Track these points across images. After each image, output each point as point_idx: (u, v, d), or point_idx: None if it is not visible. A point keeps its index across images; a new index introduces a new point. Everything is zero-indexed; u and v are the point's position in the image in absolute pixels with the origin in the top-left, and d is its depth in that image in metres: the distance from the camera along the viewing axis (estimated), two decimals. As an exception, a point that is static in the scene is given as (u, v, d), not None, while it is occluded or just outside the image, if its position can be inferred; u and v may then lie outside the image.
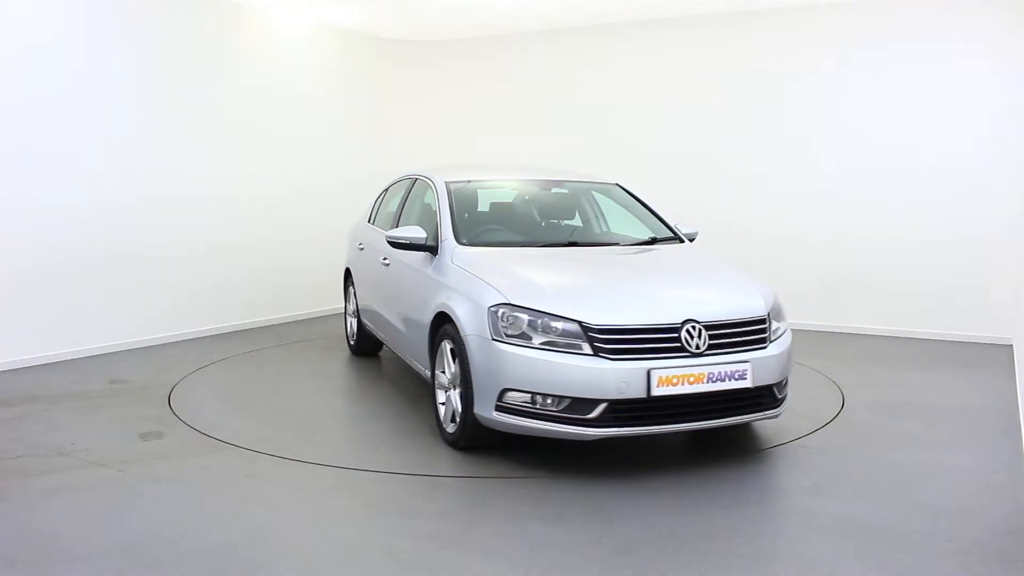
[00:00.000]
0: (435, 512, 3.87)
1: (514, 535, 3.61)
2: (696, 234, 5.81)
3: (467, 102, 10.14)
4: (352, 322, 7.26)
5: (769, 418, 4.58)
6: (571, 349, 4.14)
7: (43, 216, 6.66)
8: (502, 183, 6.18)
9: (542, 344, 4.18)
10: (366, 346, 7.09)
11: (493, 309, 4.34)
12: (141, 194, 7.38)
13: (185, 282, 7.81)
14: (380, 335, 6.46)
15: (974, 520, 3.78)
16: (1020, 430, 5.07)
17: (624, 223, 5.90)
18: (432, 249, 5.26)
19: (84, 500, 3.99)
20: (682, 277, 4.92)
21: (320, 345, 7.73)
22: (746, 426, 5.23)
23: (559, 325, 4.18)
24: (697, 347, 4.19)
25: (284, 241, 8.81)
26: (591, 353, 4.12)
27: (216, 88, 8.04)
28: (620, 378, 4.05)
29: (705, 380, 4.15)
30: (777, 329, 4.58)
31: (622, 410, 4.11)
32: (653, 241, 5.57)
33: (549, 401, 4.16)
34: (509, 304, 4.32)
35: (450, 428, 4.72)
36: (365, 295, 6.81)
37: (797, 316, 8.48)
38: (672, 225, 5.77)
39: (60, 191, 6.76)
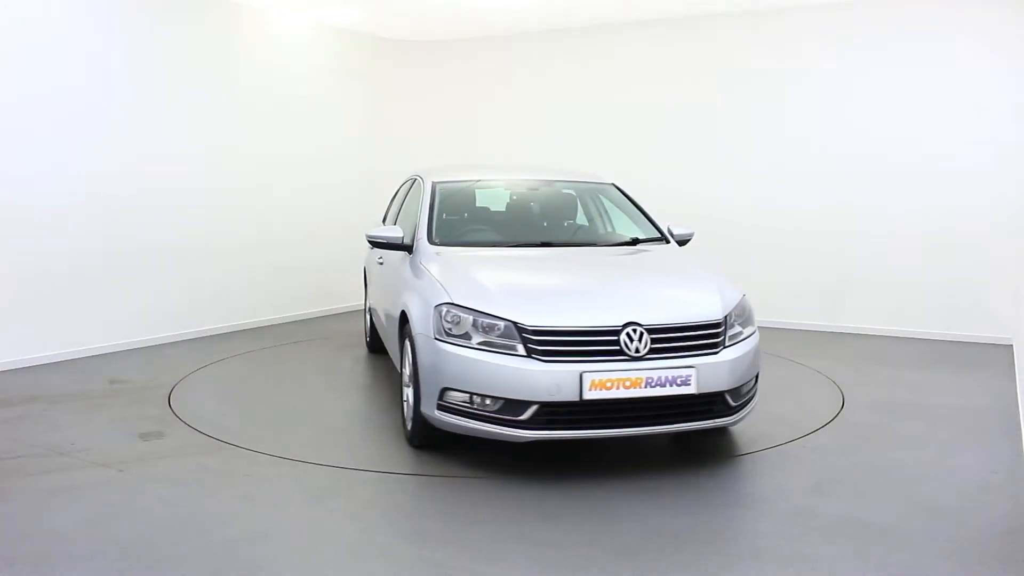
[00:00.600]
0: (435, 512, 3.87)
1: (514, 535, 3.61)
2: (690, 235, 5.69)
3: (467, 102, 10.14)
4: (366, 319, 7.42)
5: (723, 426, 4.40)
6: (506, 350, 4.11)
7: (43, 216, 6.66)
8: (492, 183, 6.16)
9: (480, 344, 4.17)
10: (378, 343, 7.12)
11: (438, 308, 4.36)
12: (141, 195, 7.38)
13: (185, 282, 7.81)
14: (380, 333, 6.52)
15: (974, 520, 3.78)
16: (1020, 430, 5.07)
17: (615, 223, 5.86)
18: (409, 248, 5.30)
19: (84, 500, 3.99)
20: (641, 279, 4.85)
21: (320, 345, 7.73)
22: (745, 427, 5.23)
23: (496, 325, 4.17)
24: (637, 351, 4.08)
25: (284, 241, 8.81)
26: (524, 354, 4.07)
27: (216, 88, 8.04)
28: (551, 380, 4.00)
29: (643, 385, 4.03)
30: (739, 334, 4.43)
31: (554, 413, 4.06)
32: (636, 242, 5.49)
33: (486, 402, 4.14)
34: (452, 303, 4.33)
35: (409, 425, 4.76)
36: (370, 294, 6.99)
37: (797, 316, 8.52)
38: (661, 226, 5.69)
39: (60, 191, 6.76)
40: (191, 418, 5.32)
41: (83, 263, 6.95)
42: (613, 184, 6.10)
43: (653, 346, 4.12)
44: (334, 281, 9.14)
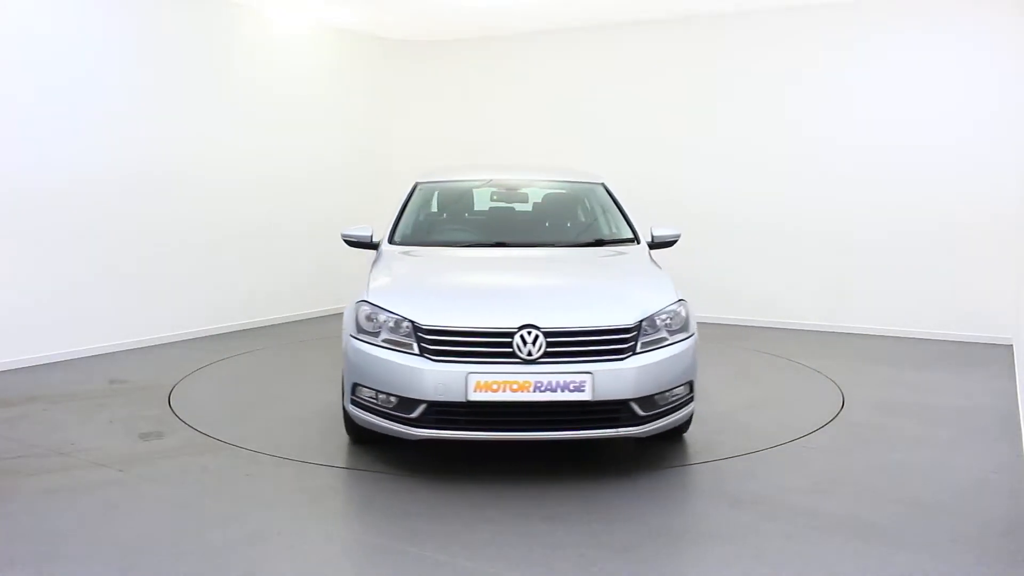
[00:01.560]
0: (435, 512, 3.87)
1: (515, 535, 3.61)
2: (673, 236, 5.49)
3: (467, 102, 10.14)
4: None
5: (629, 436, 4.17)
6: (404, 348, 4.16)
7: (43, 216, 6.66)
8: (476, 183, 6.13)
9: (384, 341, 4.22)
10: None
11: (357, 305, 4.47)
12: (140, 195, 7.37)
13: (185, 282, 7.81)
14: None
15: (974, 520, 3.78)
16: (1020, 430, 5.07)
17: (597, 224, 5.73)
18: (376, 247, 5.38)
19: (84, 500, 3.99)
20: (564, 282, 4.75)
21: (319, 345, 7.72)
22: (743, 427, 5.24)
23: (398, 323, 4.22)
24: (529, 354, 4.01)
25: (284, 240, 8.81)
26: (418, 353, 4.10)
27: (216, 88, 8.04)
28: (438, 380, 4.00)
29: (531, 389, 3.95)
30: (660, 340, 4.23)
31: (443, 413, 4.06)
32: (600, 243, 5.36)
33: (389, 399, 4.19)
34: (367, 301, 4.42)
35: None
36: None
37: (797, 316, 8.52)
38: (637, 227, 5.51)
39: (58, 191, 6.76)
40: (191, 418, 5.32)
41: (83, 263, 6.95)
42: (602, 184, 5.97)
43: (549, 350, 4.02)
44: (335, 281, 9.13)
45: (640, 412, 4.12)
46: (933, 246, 7.87)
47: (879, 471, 4.43)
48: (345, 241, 5.46)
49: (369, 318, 4.33)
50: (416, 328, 4.14)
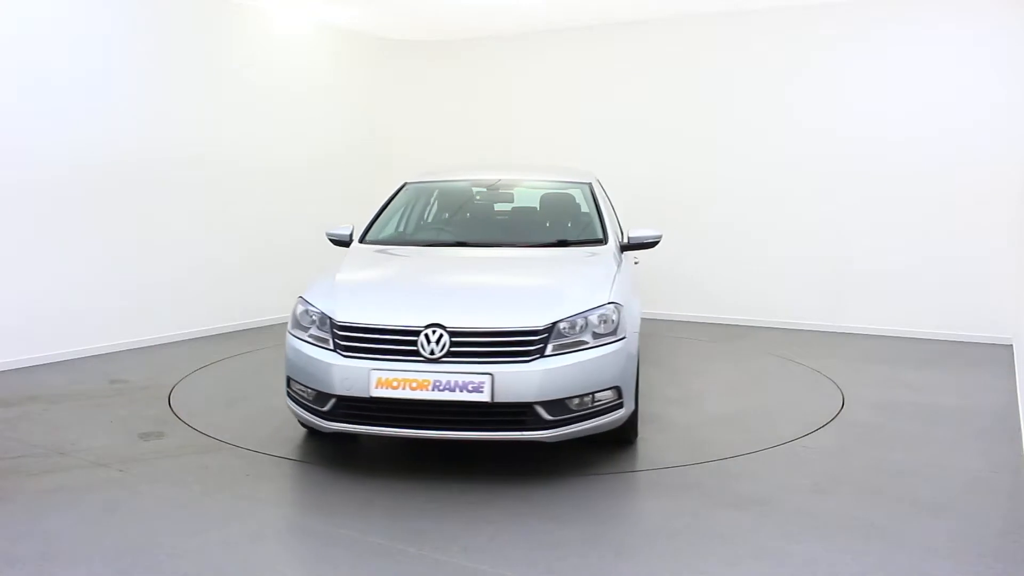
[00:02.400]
0: (436, 512, 3.87)
1: (514, 535, 3.61)
2: (651, 237, 5.36)
3: (467, 102, 10.14)
4: None
5: (538, 440, 4.10)
6: (324, 344, 4.26)
7: (43, 216, 6.66)
8: (462, 183, 6.18)
9: (309, 336, 4.37)
10: None
11: (296, 302, 4.64)
12: (140, 195, 7.37)
13: (185, 282, 7.81)
14: None
15: (974, 520, 3.78)
16: (1020, 430, 5.07)
17: (569, 223, 5.72)
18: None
19: (84, 500, 3.99)
20: (490, 281, 4.73)
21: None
22: (744, 426, 5.24)
23: (321, 319, 4.35)
24: (432, 353, 4.03)
25: (284, 241, 8.81)
26: (332, 348, 4.21)
27: (215, 87, 8.04)
28: (344, 375, 4.10)
29: (430, 388, 3.97)
30: (580, 344, 4.14)
31: (350, 407, 4.15)
32: (564, 243, 5.28)
33: (307, 391, 4.33)
34: (302, 298, 4.60)
35: None
36: None
37: (797, 316, 8.52)
38: (609, 228, 5.42)
39: (59, 192, 6.76)
40: (191, 418, 5.32)
41: (83, 263, 6.95)
42: (589, 184, 5.91)
43: (453, 349, 4.03)
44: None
45: (547, 416, 4.04)
46: (933, 246, 7.87)
47: (879, 471, 4.43)
48: (329, 240, 5.62)
49: (302, 315, 4.50)
50: (332, 324, 4.26)
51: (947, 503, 3.98)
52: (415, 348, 4.05)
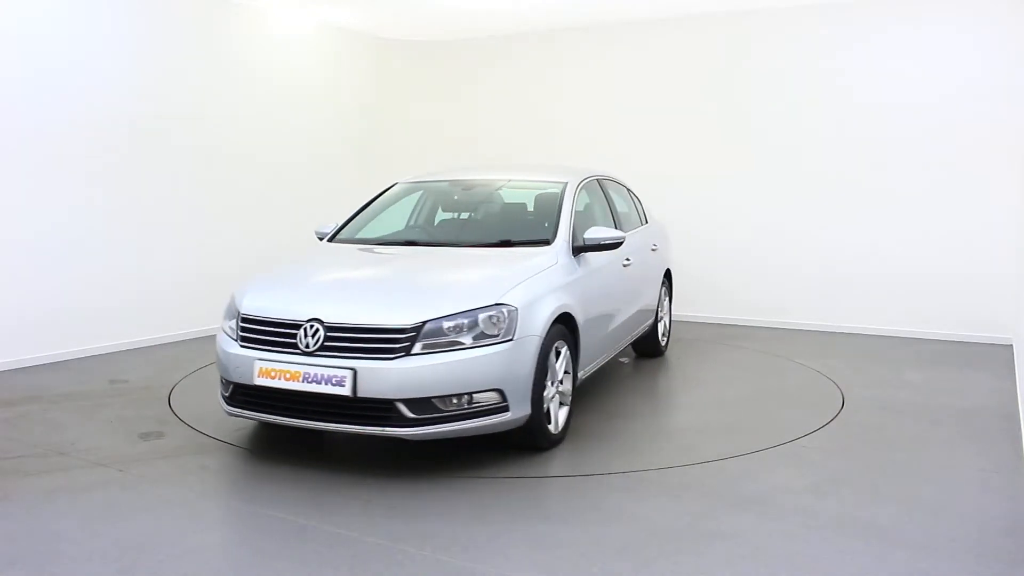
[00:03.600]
0: (436, 512, 3.87)
1: (514, 535, 3.61)
2: (612, 239, 5.25)
3: (467, 102, 10.14)
4: None
5: (399, 437, 4.18)
6: (231, 333, 4.61)
7: (43, 216, 6.66)
8: (442, 183, 6.24)
9: (227, 327, 4.68)
10: None
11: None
12: (140, 194, 7.38)
13: (185, 282, 7.81)
14: None
15: (974, 520, 3.78)
16: (1020, 430, 5.07)
17: (525, 224, 5.67)
18: None
19: (84, 500, 3.99)
20: (389, 279, 4.76)
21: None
22: (744, 426, 5.24)
23: (236, 312, 4.62)
24: (307, 346, 4.20)
25: (284, 240, 8.79)
26: (235, 338, 4.53)
27: (215, 87, 8.04)
28: (237, 363, 4.41)
29: (301, 379, 4.15)
30: (453, 344, 4.15)
31: (244, 395, 4.46)
32: (507, 243, 5.20)
33: (221, 378, 4.65)
34: (234, 291, 4.85)
35: None
36: None
37: (797, 316, 8.52)
38: (562, 229, 5.25)
39: (59, 191, 6.76)
40: (191, 418, 5.32)
41: (83, 263, 6.95)
42: (564, 184, 5.75)
43: (327, 344, 4.18)
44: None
45: (409, 414, 4.10)
46: (933, 246, 7.87)
47: (879, 471, 4.43)
48: (317, 238, 5.83)
49: (228, 306, 4.80)
50: (239, 316, 4.57)
51: (947, 503, 3.98)
52: (295, 341, 4.26)
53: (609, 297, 5.64)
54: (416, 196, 6.19)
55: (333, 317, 4.24)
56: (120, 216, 7.22)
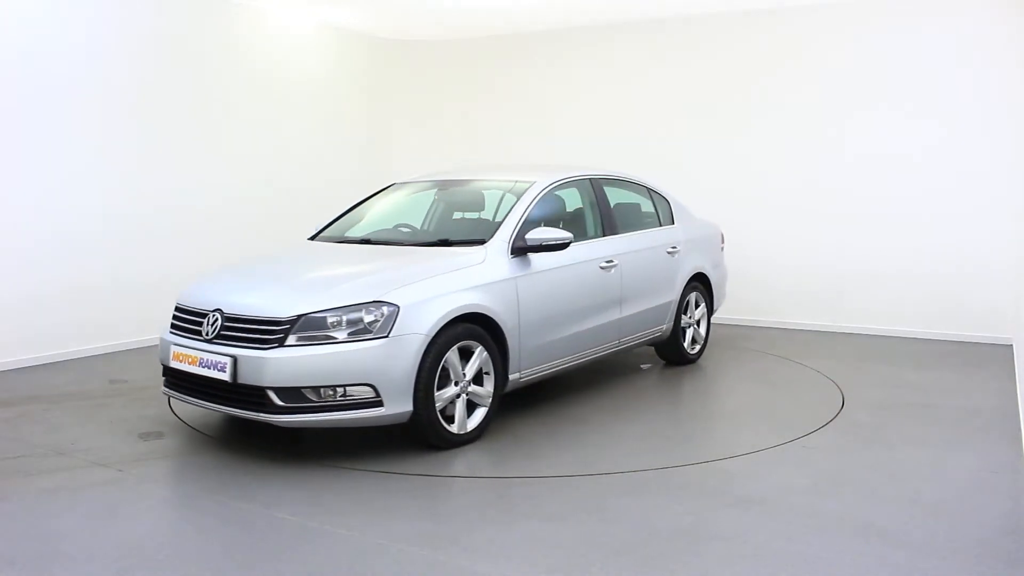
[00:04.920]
0: (436, 512, 3.88)
1: (515, 535, 3.61)
2: (556, 240, 5.16)
3: (466, 102, 10.14)
4: None
5: (270, 423, 4.38)
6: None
7: (43, 216, 6.67)
8: (428, 183, 6.32)
9: (174, 316, 5.05)
10: None
11: None
12: (140, 194, 7.38)
13: (186, 281, 7.79)
14: None
15: (974, 520, 3.78)
16: (1020, 430, 5.07)
17: (475, 224, 5.69)
18: None
19: (84, 500, 3.99)
20: (304, 274, 4.93)
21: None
22: (744, 426, 5.24)
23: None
24: (207, 333, 4.57)
25: (283, 240, 8.79)
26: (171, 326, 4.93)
27: (215, 88, 8.04)
28: (162, 348, 4.85)
29: (198, 364, 4.52)
30: (330, 338, 4.30)
31: (167, 375, 4.86)
32: (445, 243, 5.29)
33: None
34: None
35: None
36: None
37: (797, 316, 8.52)
38: (504, 231, 5.19)
39: (60, 191, 6.77)
40: (191, 418, 5.32)
41: (83, 263, 6.95)
42: (532, 183, 5.67)
43: (223, 332, 4.51)
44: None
45: (279, 402, 4.32)
46: (933, 246, 7.87)
47: (879, 471, 4.43)
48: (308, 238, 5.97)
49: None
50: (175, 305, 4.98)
51: (947, 503, 3.98)
52: (201, 328, 4.63)
53: (566, 299, 5.43)
54: (401, 195, 6.27)
55: (230, 308, 4.57)
56: (120, 216, 7.22)
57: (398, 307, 4.42)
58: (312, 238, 5.91)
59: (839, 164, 8.23)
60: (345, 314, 4.37)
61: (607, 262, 5.84)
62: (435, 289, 4.61)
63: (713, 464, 4.52)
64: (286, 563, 3.34)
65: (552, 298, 5.33)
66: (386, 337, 4.36)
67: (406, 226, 5.91)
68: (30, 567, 3.31)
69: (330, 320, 4.36)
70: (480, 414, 4.83)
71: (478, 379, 4.81)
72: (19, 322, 6.57)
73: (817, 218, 8.37)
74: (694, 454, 4.72)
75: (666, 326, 6.53)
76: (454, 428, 4.68)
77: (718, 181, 8.77)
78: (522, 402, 5.64)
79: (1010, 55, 7.50)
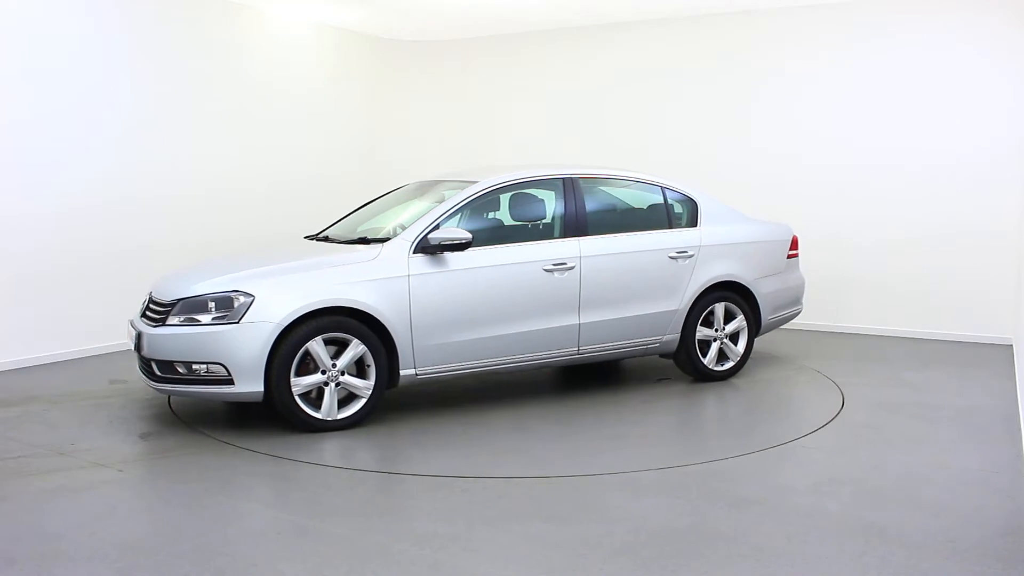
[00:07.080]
0: (436, 512, 3.87)
1: (515, 535, 3.61)
2: (457, 239, 5.20)
3: (467, 102, 10.13)
4: None
5: (150, 387, 5.23)
6: None
7: (43, 216, 6.66)
8: (416, 185, 6.46)
9: None
10: None
11: None
12: (140, 193, 7.38)
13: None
14: None
15: (974, 520, 3.78)
16: (1020, 430, 5.07)
17: (397, 223, 5.75)
18: None
19: (84, 500, 3.99)
20: (212, 265, 5.50)
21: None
22: (744, 426, 5.24)
23: None
24: (142, 314, 5.27)
25: (283, 240, 8.80)
26: None
27: (216, 88, 8.04)
28: (132, 333, 5.26)
29: (132, 339, 5.21)
30: (195, 321, 4.90)
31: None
32: (364, 241, 5.53)
33: None
34: None
35: None
36: None
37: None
38: (406, 231, 5.34)
39: (60, 192, 6.77)
40: (191, 418, 5.32)
41: (83, 263, 6.95)
42: (472, 183, 5.67)
43: (147, 313, 5.20)
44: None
45: (157, 372, 5.03)
46: (933, 246, 7.86)
47: (879, 471, 4.43)
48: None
49: None
50: None
51: (947, 503, 3.98)
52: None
53: (483, 300, 5.34)
54: (400, 196, 6.35)
55: (155, 292, 5.27)
56: (119, 216, 7.22)
57: (253, 297, 4.89)
58: (308, 236, 6.15)
59: (839, 165, 8.23)
60: (209, 300, 4.93)
61: (556, 264, 5.57)
62: (300, 283, 5.00)
63: (713, 464, 4.52)
64: (287, 563, 3.34)
65: (462, 298, 5.27)
66: (237, 323, 4.84)
67: (376, 228, 5.88)
68: (30, 567, 3.31)
69: (198, 304, 4.93)
70: (357, 405, 5.05)
71: (362, 371, 5.06)
72: (19, 322, 6.57)
73: (817, 218, 8.35)
74: (694, 454, 4.72)
75: (667, 337, 6.04)
76: (319, 414, 4.96)
77: (715, 182, 8.75)
78: (522, 402, 5.64)
79: (1010, 55, 7.49)
